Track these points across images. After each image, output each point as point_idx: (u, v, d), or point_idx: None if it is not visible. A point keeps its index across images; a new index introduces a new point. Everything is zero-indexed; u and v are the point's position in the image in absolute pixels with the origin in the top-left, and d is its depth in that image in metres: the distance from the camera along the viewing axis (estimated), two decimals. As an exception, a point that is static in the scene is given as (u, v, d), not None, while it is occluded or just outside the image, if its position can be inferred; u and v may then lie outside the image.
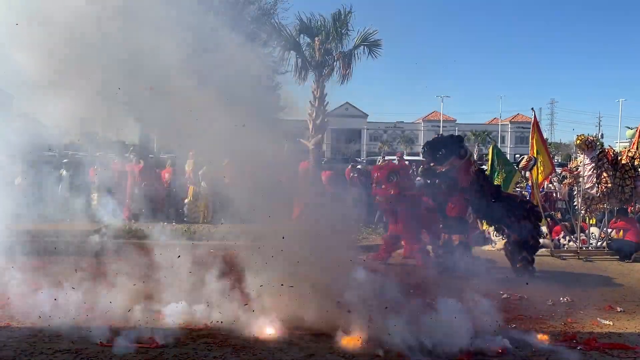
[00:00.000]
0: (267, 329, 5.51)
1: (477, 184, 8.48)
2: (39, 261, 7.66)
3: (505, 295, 7.62)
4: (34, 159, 17.65)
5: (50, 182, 14.46)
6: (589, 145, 11.29)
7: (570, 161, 32.43)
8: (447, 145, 8.29)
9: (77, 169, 15.19)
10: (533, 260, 9.03)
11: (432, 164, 8.21)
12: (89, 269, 7.78)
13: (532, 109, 12.04)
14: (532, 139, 11.65)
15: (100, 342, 5.12)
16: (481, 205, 8.66)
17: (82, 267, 7.86)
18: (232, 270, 6.66)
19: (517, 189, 14.04)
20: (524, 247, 8.90)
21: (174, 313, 5.91)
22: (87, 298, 6.07)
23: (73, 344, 5.11)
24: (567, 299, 7.49)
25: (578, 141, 11.43)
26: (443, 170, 8.20)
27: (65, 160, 15.60)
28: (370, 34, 13.18)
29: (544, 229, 12.12)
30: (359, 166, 17.98)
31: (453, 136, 8.70)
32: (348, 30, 13.06)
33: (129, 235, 10.67)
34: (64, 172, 14.46)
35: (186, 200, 14.43)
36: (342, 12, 12.81)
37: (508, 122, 78.59)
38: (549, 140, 70.02)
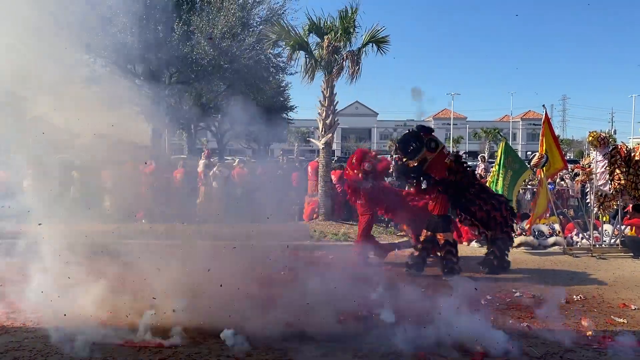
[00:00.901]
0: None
1: (453, 174, 8.41)
2: (54, 262, 7.73)
3: (517, 294, 7.59)
4: (46, 161, 17.86)
5: (62, 183, 14.71)
6: (602, 142, 11.19)
7: (582, 158, 32.15)
8: (417, 138, 8.21)
9: (89, 171, 15.33)
10: (503, 255, 8.90)
11: (404, 160, 8.13)
12: (103, 269, 7.89)
13: (544, 105, 11.97)
14: (543, 135, 11.57)
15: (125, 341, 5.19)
16: (457, 196, 8.58)
17: (97, 268, 7.97)
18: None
19: (529, 187, 13.98)
20: (493, 242, 8.80)
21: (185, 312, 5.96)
22: (103, 298, 6.13)
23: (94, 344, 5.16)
24: (580, 297, 7.45)
25: (590, 138, 11.34)
26: (415, 164, 8.13)
27: (77, 162, 15.72)
28: (378, 30, 13.12)
29: (557, 226, 12.06)
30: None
31: (422, 127, 8.59)
32: (355, 28, 13.02)
33: (142, 235, 10.70)
34: (76, 174, 14.57)
35: (198, 201, 14.50)
36: (348, 10, 12.78)
37: (519, 119, 78.12)
38: (561, 137, 69.50)
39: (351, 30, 13.04)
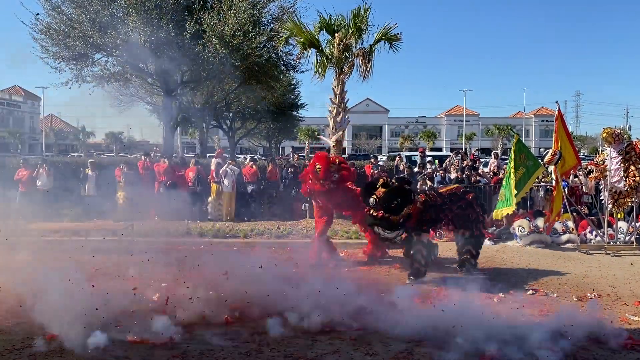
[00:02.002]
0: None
1: (427, 211, 8.24)
2: (68, 259, 7.83)
3: (530, 292, 7.55)
4: (61, 160, 18.12)
5: (76, 182, 14.89)
6: (616, 138, 11.07)
7: (596, 155, 31.84)
8: (401, 193, 7.88)
9: (103, 168, 15.51)
10: (477, 254, 8.69)
11: (387, 216, 7.89)
12: (111, 267, 7.98)
13: (557, 101, 11.86)
14: (556, 132, 11.45)
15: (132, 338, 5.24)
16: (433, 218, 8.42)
17: (106, 266, 8.06)
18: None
19: (542, 184, 13.87)
20: (467, 241, 8.63)
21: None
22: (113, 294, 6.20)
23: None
24: (594, 295, 7.39)
25: (604, 134, 11.21)
26: (401, 220, 7.94)
27: (90, 160, 15.90)
28: (390, 28, 13.07)
29: (570, 223, 11.94)
30: (380, 162, 17.96)
31: (404, 181, 8.41)
32: (368, 25, 12.99)
33: (155, 234, 10.82)
34: (90, 172, 14.73)
35: (210, 199, 14.59)
36: (361, 8, 12.75)
37: (532, 116, 77.52)
38: (574, 134, 68.88)
39: (363, 28, 13.01)
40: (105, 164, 16.53)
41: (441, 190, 8.93)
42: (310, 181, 9.35)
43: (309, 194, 9.75)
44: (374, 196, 7.89)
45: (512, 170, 11.09)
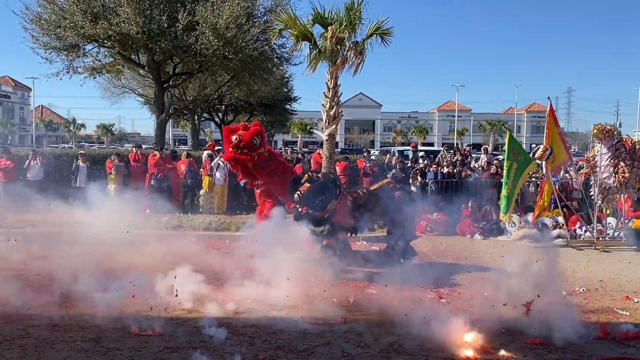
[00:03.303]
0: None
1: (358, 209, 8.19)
2: (59, 252, 7.80)
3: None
4: (51, 152, 17.98)
5: (67, 174, 14.79)
6: (606, 134, 11.14)
7: (587, 151, 32.04)
8: (326, 191, 7.82)
9: (93, 160, 15.41)
10: (404, 251, 8.51)
11: (311, 212, 7.82)
12: (106, 259, 7.95)
13: (549, 97, 11.91)
14: (547, 128, 11.52)
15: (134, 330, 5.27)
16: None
17: (100, 258, 8.03)
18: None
19: (532, 179, 13.95)
20: (393, 237, 8.55)
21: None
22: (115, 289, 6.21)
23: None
24: (583, 290, 7.45)
25: (595, 130, 11.28)
26: (325, 216, 7.85)
27: (81, 152, 15.79)
28: (382, 22, 13.04)
29: (560, 219, 12.02)
30: (372, 157, 17.98)
31: (329, 176, 8.37)
32: (361, 19, 12.95)
33: (146, 226, 10.79)
34: (81, 163, 14.64)
35: (202, 192, 14.54)
36: (354, 1, 12.70)
37: (524, 112, 77.82)
38: (566, 130, 69.29)
39: (357, 22, 12.96)
40: (96, 155, 16.42)
41: (372, 188, 8.88)
42: (232, 156, 8.35)
43: (247, 177, 9.02)
44: (298, 192, 7.86)
45: (506, 166, 11.20)
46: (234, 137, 8.20)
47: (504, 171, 11.49)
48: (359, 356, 4.82)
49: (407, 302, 6.10)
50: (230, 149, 8.25)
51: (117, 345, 4.91)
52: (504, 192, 11.30)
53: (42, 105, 73.98)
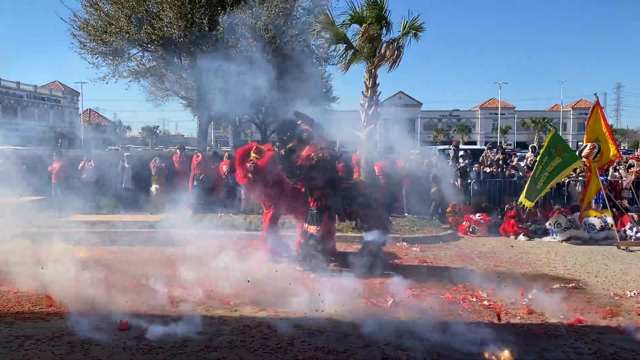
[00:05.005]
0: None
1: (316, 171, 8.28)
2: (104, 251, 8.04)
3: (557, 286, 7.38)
4: (99, 153, 18.52)
5: (114, 175, 15.23)
6: (659, 131, 10.68)
7: (637, 148, 30.84)
8: (291, 127, 8.40)
9: (138, 161, 15.82)
10: (379, 251, 8.41)
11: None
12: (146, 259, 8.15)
13: (595, 94, 11.52)
14: (587, 125, 11.19)
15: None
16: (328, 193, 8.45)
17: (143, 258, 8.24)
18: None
19: (580, 178, 13.48)
20: (368, 235, 8.41)
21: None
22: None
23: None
24: (635, 293, 7.16)
25: (646, 127, 10.84)
26: (283, 153, 8.10)
27: (127, 154, 16.22)
28: (416, 18, 12.88)
29: (609, 219, 11.57)
30: (411, 156, 17.75)
31: (301, 115, 8.64)
32: (388, 20, 12.83)
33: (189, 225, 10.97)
34: (126, 165, 15.04)
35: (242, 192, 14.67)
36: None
37: (570, 109, 75.48)
38: (615, 127, 66.88)
39: (385, 17, 12.83)
40: (141, 157, 16.85)
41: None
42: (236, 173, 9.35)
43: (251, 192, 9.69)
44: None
45: (543, 161, 10.88)
46: (248, 165, 8.77)
47: (539, 165, 11.09)
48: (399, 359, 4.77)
49: (449, 306, 6.02)
50: (244, 175, 8.85)
51: (159, 343, 5.01)
52: (536, 183, 10.91)
53: (89, 109, 76.53)
